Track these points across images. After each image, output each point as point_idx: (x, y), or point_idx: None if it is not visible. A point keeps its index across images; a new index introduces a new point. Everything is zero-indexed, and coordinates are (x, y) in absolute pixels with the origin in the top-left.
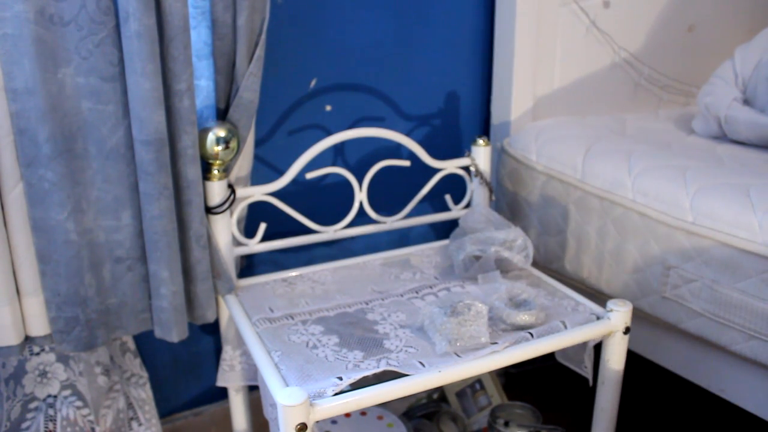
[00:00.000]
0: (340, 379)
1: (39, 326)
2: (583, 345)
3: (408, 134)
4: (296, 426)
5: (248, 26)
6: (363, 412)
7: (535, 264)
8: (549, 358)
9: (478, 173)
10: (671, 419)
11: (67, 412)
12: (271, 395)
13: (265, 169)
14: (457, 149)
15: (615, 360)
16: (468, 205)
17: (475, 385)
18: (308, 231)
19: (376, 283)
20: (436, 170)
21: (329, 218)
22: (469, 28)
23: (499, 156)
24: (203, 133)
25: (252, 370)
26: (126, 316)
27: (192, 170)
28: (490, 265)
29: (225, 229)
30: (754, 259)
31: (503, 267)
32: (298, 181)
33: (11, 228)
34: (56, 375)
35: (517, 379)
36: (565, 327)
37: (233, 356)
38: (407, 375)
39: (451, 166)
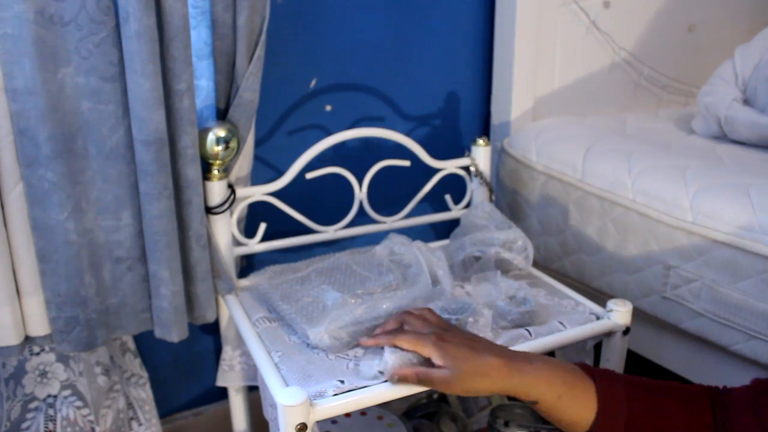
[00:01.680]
0: (342, 382)
1: (39, 326)
2: (583, 345)
3: (408, 134)
4: (296, 426)
5: (248, 26)
6: (363, 412)
7: (535, 264)
8: None
9: (478, 173)
10: None
11: (67, 412)
12: (270, 395)
13: (265, 169)
14: (457, 149)
15: (615, 360)
16: (468, 205)
17: None
18: (308, 231)
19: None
20: (436, 170)
21: (329, 218)
22: (469, 28)
23: (499, 156)
24: (203, 133)
25: (252, 370)
26: (126, 316)
27: (192, 170)
28: (489, 266)
29: (225, 229)
30: (754, 259)
31: (503, 268)
32: (298, 181)
33: (11, 228)
34: (56, 375)
35: None
36: (565, 327)
37: (233, 356)
38: None
39: (451, 166)
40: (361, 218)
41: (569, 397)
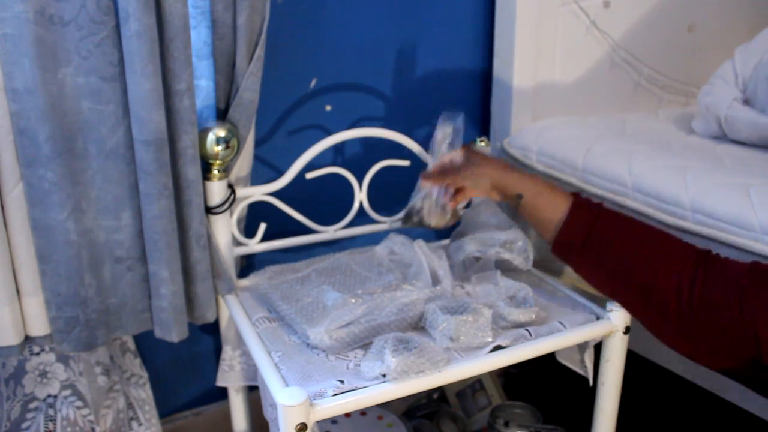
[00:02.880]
0: (342, 382)
1: (39, 326)
2: (583, 345)
3: (408, 134)
4: (296, 426)
5: (248, 26)
6: (363, 412)
7: (535, 264)
8: (549, 358)
9: None
10: (671, 419)
11: (67, 412)
12: (270, 395)
13: (265, 169)
14: None
15: (615, 360)
16: (468, 205)
17: (475, 385)
18: (308, 231)
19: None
20: None
21: (329, 218)
22: (469, 28)
23: (499, 156)
24: (203, 133)
25: (252, 370)
26: (126, 316)
27: (192, 170)
28: (489, 266)
29: (225, 229)
30: (754, 260)
31: (503, 268)
32: (298, 181)
33: (11, 228)
34: (56, 375)
35: (517, 379)
36: (565, 327)
37: (233, 356)
38: None
39: None
40: (361, 218)
41: (546, 196)
